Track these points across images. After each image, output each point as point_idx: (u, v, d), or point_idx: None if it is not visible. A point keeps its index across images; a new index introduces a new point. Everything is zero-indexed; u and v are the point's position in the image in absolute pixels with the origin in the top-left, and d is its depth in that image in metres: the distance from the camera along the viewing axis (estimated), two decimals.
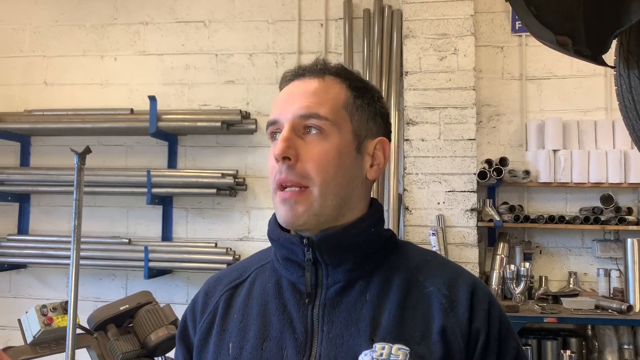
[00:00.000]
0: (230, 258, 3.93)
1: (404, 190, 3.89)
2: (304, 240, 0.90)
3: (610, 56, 1.21)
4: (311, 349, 0.86)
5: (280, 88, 0.97)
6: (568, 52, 1.08)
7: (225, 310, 0.96)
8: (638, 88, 1.11)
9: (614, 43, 1.19)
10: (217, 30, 4.38)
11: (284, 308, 0.91)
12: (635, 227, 3.66)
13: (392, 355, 0.81)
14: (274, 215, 0.96)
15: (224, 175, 4.01)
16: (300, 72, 0.95)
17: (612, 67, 1.14)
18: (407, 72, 3.96)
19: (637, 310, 3.40)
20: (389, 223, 3.86)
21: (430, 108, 3.93)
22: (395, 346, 0.81)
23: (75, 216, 2.01)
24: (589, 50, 1.11)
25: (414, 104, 3.94)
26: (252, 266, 1.02)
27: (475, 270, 3.77)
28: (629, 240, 3.48)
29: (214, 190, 4.00)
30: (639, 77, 1.11)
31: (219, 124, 3.99)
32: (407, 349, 0.81)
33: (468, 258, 3.78)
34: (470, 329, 0.85)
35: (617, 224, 3.66)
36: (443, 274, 0.91)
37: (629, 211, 3.75)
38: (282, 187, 0.89)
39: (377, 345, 0.82)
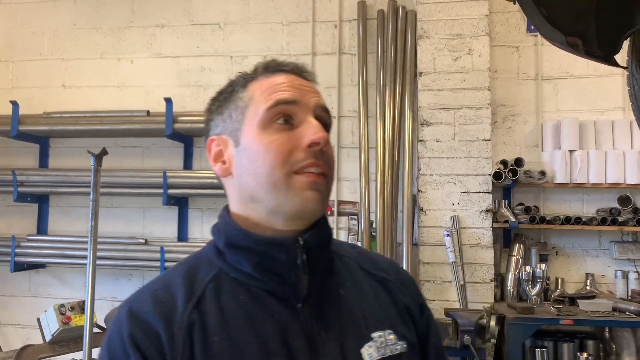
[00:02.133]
0: None
1: (419, 191, 3.88)
2: (300, 241, 0.84)
3: (623, 56, 1.21)
4: (318, 355, 0.82)
5: (271, 71, 0.91)
6: (579, 53, 1.08)
7: (201, 333, 0.80)
8: None
9: (627, 43, 1.19)
10: (232, 32, 4.42)
11: (273, 320, 0.83)
12: None
13: (389, 341, 0.86)
14: (231, 220, 0.88)
15: None
16: (297, 71, 0.93)
17: (624, 67, 1.13)
18: (421, 73, 3.95)
19: None
20: (404, 224, 3.85)
21: (444, 108, 3.91)
22: (386, 331, 0.87)
23: (92, 217, 2.05)
24: (601, 51, 1.10)
25: (428, 104, 3.93)
26: (199, 279, 0.86)
27: (490, 272, 3.75)
28: None
29: (223, 191, 4.03)
30: None
31: None
32: (392, 331, 0.88)
33: (483, 259, 3.76)
34: (421, 304, 0.98)
35: (635, 225, 3.61)
36: (381, 262, 0.99)
37: None
38: (311, 173, 0.84)
39: (375, 335, 0.86)
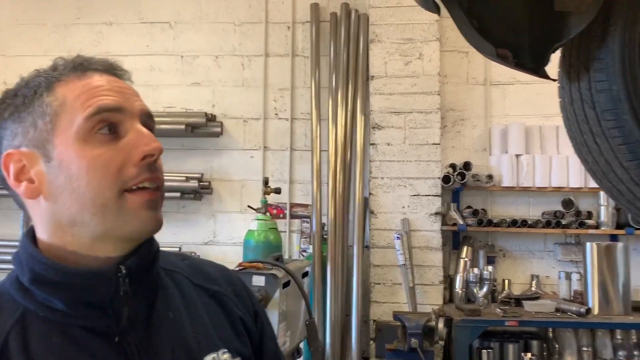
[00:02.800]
0: None
1: (370, 194, 3.90)
2: (122, 270, 0.74)
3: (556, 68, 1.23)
4: None
5: (82, 70, 0.78)
6: (509, 65, 1.09)
7: None
8: (578, 101, 1.13)
9: (559, 55, 1.21)
10: (183, 31, 4.33)
11: None
12: (594, 231, 3.74)
13: None
14: (36, 251, 0.75)
15: (188, 179, 3.96)
16: (112, 70, 0.81)
17: (554, 80, 1.15)
18: (372, 77, 3.97)
19: (595, 312, 3.46)
20: (355, 227, 3.86)
21: (395, 112, 3.95)
22: (220, 352, 0.81)
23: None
24: (532, 63, 1.11)
25: (380, 108, 3.96)
26: None
27: (439, 274, 3.80)
28: (588, 244, 3.54)
29: (179, 194, 3.95)
30: (579, 91, 1.12)
31: (183, 126, 3.94)
32: (227, 349, 0.82)
33: (432, 262, 3.81)
34: (255, 312, 0.93)
35: (577, 228, 3.73)
36: (213, 273, 0.93)
37: (589, 215, 3.83)
38: (145, 190, 0.75)
39: (208, 358, 0.80)
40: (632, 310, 3.47)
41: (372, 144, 3.93)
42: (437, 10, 1.04)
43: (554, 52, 1.08)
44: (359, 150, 3.95)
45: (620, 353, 3.53)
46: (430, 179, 3.86)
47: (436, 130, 3.90)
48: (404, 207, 3.86)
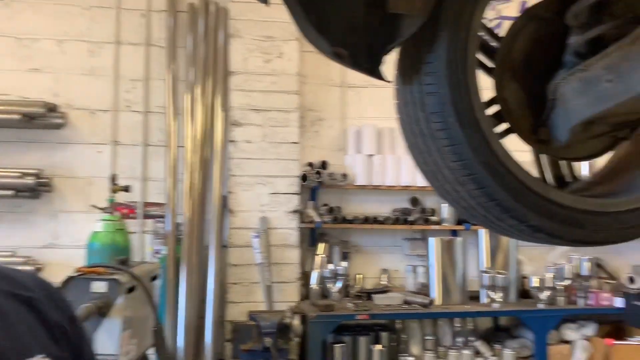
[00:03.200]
0: (31, 268, 3.51)
1: (229, 192, 3.82)
2: None
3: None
4: None
5: None
6: (345, 64, 1.09)
7: None
8: (411, 104, 1.16)
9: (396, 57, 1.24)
10: (21, 11, 3.88)
11: None
12: (437, 227, 4.03)
13: None
14: None
15: (24, 175, 3.57)
16: None
17: (388, 81, 1.18)
18: (232, 72, 3.90)
19: (438, 303, 3.73)
20: (212, 226, 3.75)
21: (255, 110, 3.91)
22: (37, 357, 0.78)
23: None
24: (367, 64, 1.13)
25: (240, 105, 3.89)
26: None
27: (296, 271, 3.84)
28: (432, 239, 3.81)
29: (12, 192, 3.54)
30: (412, 93, 1.16)
31: (19, 116, 3.54)
32: (45, 354, 0.79)
33: (290, 259, 3.84)
34: (70, 317, 0.90)
35: (422, 224, 3.99)
36: (23, 279, 0.90)
37: (433, 212, 4.11)
38: None
39: None
40: (469, 300, 3.79)
41: (232, 141, 3.86)
42: (264, 0, 1.02)
43: (387, 53, 1.10)
44: (218, 147, 3.85)
45: (459, 339, 3.84)
46: (289, 177, 3.88)
47: (295, 129, 3.93)
48: (262, 205, 3.84)
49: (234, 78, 3.88)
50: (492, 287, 3.68)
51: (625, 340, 3.81)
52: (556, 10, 1.19)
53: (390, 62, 1.21)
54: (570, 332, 3.83)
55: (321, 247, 3.89)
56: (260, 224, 3.77)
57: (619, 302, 3.75)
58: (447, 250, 3.79)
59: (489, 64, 1.28)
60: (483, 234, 3.97)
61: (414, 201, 4.06)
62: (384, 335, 3.74)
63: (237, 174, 3.84)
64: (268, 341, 2.80)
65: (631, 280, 3.75)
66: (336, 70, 4.21)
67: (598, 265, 4.11)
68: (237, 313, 3.67)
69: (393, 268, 4.19)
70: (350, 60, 1.09)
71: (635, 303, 3.66)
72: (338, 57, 1.07)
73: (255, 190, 3.85)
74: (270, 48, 3.92)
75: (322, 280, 3.77)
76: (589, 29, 1.12)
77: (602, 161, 1.40)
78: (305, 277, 3.92)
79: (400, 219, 3.97)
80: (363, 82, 4.19)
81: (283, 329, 3.04)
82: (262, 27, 3.90)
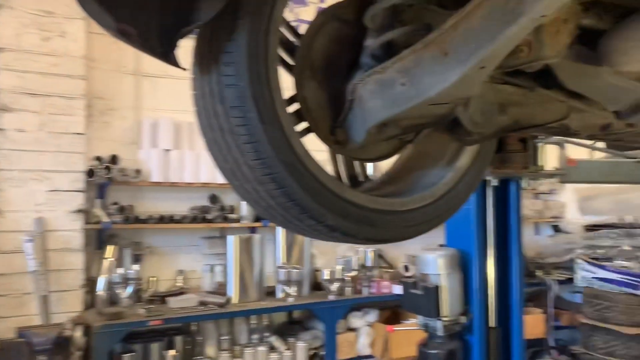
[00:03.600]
0: None
1: None
2: None
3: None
4: None
5: None
6: (133, 44, 0.95)
7: None
8: (209, 95, 1.07)
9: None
10: None
11: None
12: (236, 225, 3.98)
13: None
14: None
15: None
16: None
17: (184, 69, 1.06)
18: (2, 49, 3.33)
19: (235, 301, 3.68)
20: None
21: (31, 94, 3.41)
22: None
23: None
24: (161, 47, 1.00)
25: (11, 87, 3.36)
26: None
27: (80, 278, 3.45)
28: (230, 237, 3.75)
29: None
30: (210, 84, 1.06)
31: None
32: None
33: (72, 264, 3.44)
34: None
35: (221, 222, 3.91)
36: None
37: (232, 209, 4.06)
38: None
39: None
40: (266, 296, 3.82)
41: (0, 130, 3.30)
42: None
43: (181, 38, 0.98)
44: None
45: (254, 336, 3.85)
46: (72, 173, 3.47)
47: (81, 118, 3.53)
48: (38, 205, 3.37)
49: (3, 55, 3.33)
50: (288, 282, 3.76)
51: (401, 323, 4.23)
52: (356, 11, 1.20)
53: (187, 48, 1.10)
54: (355, 320, 4.12)
55: (110, 250, 3.54)
56: (35, 226, 3.30)
57: (397, 289, 4.13)
58: (246, 247, 3.77)
59: (290, 61, 1.24)
60: (280, 230, 4.04)
61: (213, 199, 3.96)
62: (178, 339, 3.59)
63: (6, 168, 3.31)
64: (42, 359, 2.44)
65: (406, 268, 4.17)
66: (130, 55, 3.89)
67: (379, 255, 4.49)
68: (4, 329, 3.14)
69: (190, 269, 4.03)
70: (139, 40, 0.95)
71: (410, 290, 4.08)
72: (125, 36, 0.92)
73: (29, 186, 3.35)
74: (50, 25, 3.46)
75: (111, 286, 3.45)
76: (385, 33, 1.15)
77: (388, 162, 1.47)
78: (90, 283, 3.54)
79: (199, 217, 3.83)
80: (160, 72, 3.94)
81: (61, 344, 2.68)
82: (40, 0, 3.41)
